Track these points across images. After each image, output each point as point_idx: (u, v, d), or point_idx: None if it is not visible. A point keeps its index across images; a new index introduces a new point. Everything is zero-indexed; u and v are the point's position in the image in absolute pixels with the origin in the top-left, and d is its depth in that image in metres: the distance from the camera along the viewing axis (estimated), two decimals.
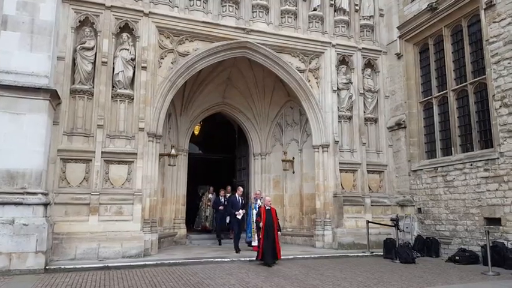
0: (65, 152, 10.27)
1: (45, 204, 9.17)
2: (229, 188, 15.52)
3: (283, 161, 15.15)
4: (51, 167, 9.94)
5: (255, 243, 11.42)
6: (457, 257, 10.74)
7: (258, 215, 10.50)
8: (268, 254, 9.96)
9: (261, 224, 10.23)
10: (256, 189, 13.31)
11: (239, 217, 12.27)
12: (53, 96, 9.64)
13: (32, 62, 9.44)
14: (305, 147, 14.91)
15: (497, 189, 10.41)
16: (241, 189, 13.19)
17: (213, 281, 8.01)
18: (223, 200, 14.44)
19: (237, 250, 11.75)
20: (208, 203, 15.80)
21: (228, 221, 13.57)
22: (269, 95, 15.50)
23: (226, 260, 10.54)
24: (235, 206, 12.41)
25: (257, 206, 11.97)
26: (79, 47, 10.74)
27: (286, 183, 15.33)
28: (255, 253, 10.60)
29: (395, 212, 13.30)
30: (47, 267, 8.75)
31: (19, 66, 9.33)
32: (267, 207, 10.45)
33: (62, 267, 8.93)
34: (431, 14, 12.72)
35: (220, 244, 13.79)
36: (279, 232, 10.58)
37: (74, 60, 10.70)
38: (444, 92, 12.66)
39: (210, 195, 15.96)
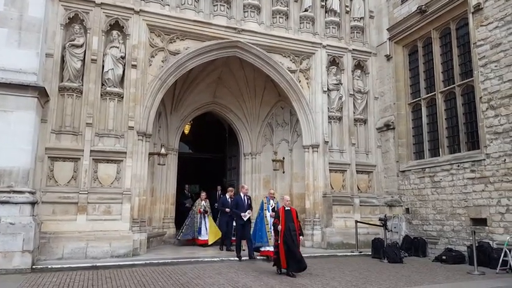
0: (53, 150, 10.15)
1: (33, 203, 9.06)
2: (231, 188, 13.61)
3: (273, 160, 15.21)
4: (38, 166, 9.83)
5: (268, 248, 10.38)
6: (443, 257, 10.89)
7: (276, 216, 9.14)
8: (295, 262, 8.58)
9: (279, 227, 8.80)
10: (270, 190, 11.63)
11: (245, 219, 10.79)
12: (41, 93, 9.53)
13: (20, 58, 9.31)
14: (295, 147, 14.99)
15: (483, 190, 10.57)
16: (245, 187, 11.94)
17: (202, 280, 8.00)
18: (230, 200, 12.62)
19: (239, 256, 10.54)
20: (201, 211, 13.36)
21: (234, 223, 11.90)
22: (260, 95, 15.53)
23: (215, 259, 10.54)
24: (240, 207, 10.97)
25: (270, 207, 10.80)
26: (68, 44, 10.64)
27: (276, 183, 15.37)
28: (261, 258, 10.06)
29: (384, 212, 13.43)
30: (34, 266, 8.64)
31: (7, 62, 9.19)
32: (286, 208, 9.07)
33: (49, 266, 8.83)
34: (421, 17, 12.87)
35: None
36: (300, 237, 9.16)
37: (62, 57, 10.58)
38: (432, 93, 12.81)
39: (204, 203, 13.53)
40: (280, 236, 8.76)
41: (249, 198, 11.45)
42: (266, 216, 10.70)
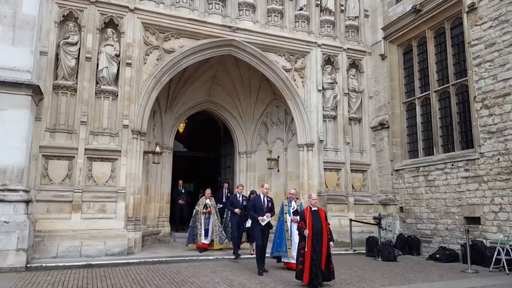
0: (47, 148, 10.12)
1: (27, 202, 9.01)
2: (240, 185, 12.18)
3: (268, 159, 15.22)
4: (33, 164, 9.78)
5: (289, 260, 9.02)
6: (437, 255, 10.96)
7: (302, 218, 7.71)
8: (319, 273, 7.20)
9: (305, 232, 7.38)
10: (291, 190, 9.85)
11: (263, 223, 8.98)
12: (35, 91, 9.47)
13: (14, 56, 9.26)
14: (290, 146, 15.01)
15: (477, 189, 10.65)
16: (266, 186, 9.77)
17: (197, 278, 8.01)
18: (241, 199, 11.10)
19: (261, 271, 8.63)
20: (204, 211, 11.73)
21: (249, 224, 10.35)
22: (255, 93, 15.53)
23: (210, 258, 10.52)
24: (258, 209, 9.16)
25: (291, 210, 9.30)
26: (62, 42, 10.58)
27: (271, 182, 15.33)
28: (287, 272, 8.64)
29: (378, 211, 13.50)
30: (28, 265, 8.61)
31: (0, 60, 9.11)
32: (313, 208, 7.70)
33: (44, 265, 8.79)
34: (415, 16, 12.92)
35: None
36: (331, 242, 7.67)
37: (57, 55, 10.53)
38: (427, 93, 12.88)
39: (208, 201, 11.87)
40: (307, 242, 7.28)
41: (270, 200, 9.56)
42: (286, 221, 9.25)
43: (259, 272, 8.61)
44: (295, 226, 8.85)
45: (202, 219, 11.68)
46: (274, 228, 9.69)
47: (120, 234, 10.30)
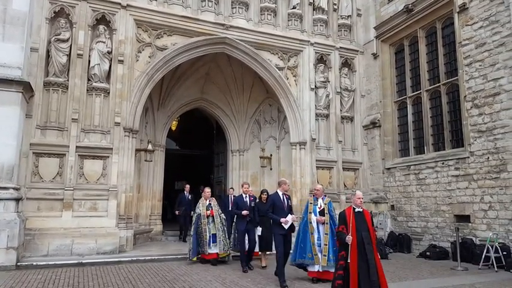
0: (38, 146, 10.03)
1: (17, 199, 8.93)
2: (245, 183, 10.36)
3: (261, 157, 15.24)
4: (23, 161, 9.69)
5: (315, 268, 7.74)
6: (428, 253, 11.08)
7: (343, 221, 6.06)
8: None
9: (348, 238, 5.78)
10: (317, 186, 8.69)
11: (286, 226, 7.68)
12: (25, 88, 9.38)
13: (4, 52, 9.16)
14: (283, 145, 15.04)
15: (467, 187, 10.77)
16: (287, 182, 8.40)
17: (190, 277, 8.01)
18: (248, 199, 9.53)
19: (284, 284, 7.26)
20: (208, 213, 9.77)
21: (259, 233, 9.38)
22: (248, 91, 15.52)
23: None
24: (278, 210, 7.80)
25: (317, 209, 8.01)
26: (54, 38, 10.49)
27: (263, 180, 15.39)
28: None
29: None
30: (19, 263, 8.55)
31: None
32: (356, 209, 6.08)
33: (34, 263, 8.74)
34: (407, 16, 13.00)
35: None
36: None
37: (48, 52, 10.44)
38: (418, 92, 12.98)
39: (211, 203, 10.00)
40: (351, 251, 5.77)
41: (289, 198, 8.21)
42: (311, 222, 7.91)
43: (282, 285, 7.27)
44: (321, 228, 7.89)
45: (207, 224, 9.71)
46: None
47: (112, 232, 10.25)
